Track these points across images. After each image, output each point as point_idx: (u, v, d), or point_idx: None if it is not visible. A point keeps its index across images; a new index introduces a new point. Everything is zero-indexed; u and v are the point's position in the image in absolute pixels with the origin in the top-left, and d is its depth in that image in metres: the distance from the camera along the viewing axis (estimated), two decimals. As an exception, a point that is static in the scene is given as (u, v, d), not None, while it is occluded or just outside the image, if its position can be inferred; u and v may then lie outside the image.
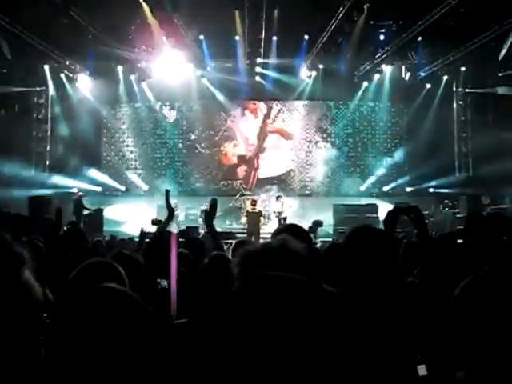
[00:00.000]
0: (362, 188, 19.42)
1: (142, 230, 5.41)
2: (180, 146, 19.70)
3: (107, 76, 17.78)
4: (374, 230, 2.21)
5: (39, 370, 1.42)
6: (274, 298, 1.13)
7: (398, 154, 19.53)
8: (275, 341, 1.04)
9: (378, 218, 16.18)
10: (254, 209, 15.11)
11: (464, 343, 1.39)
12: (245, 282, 1.20)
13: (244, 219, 15.94)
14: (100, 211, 16.49)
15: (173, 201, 14.60)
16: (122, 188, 19.40)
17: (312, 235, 10.04)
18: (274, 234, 3.06)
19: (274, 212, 16.13)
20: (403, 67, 17.76)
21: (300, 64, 17.88)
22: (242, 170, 19.64)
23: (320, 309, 1.39)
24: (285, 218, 15.37)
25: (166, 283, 3.47)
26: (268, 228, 15.42)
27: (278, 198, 16.21)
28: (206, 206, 16.29)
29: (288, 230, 3.11)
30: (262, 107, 19.74)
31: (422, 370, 1.83)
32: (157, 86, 18.43)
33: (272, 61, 17.39)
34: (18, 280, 1.35)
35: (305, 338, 1.19)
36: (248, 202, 16.24)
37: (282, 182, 19.44)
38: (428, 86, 18.14)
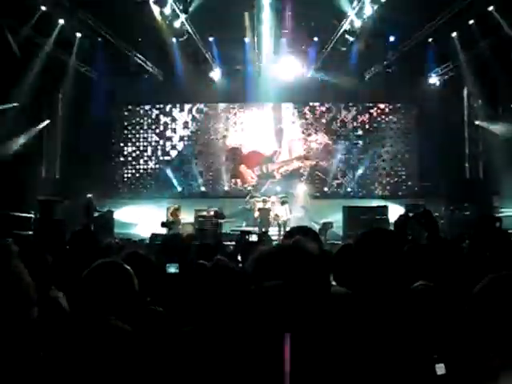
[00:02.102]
0: (372, 190, 19.40)
1: (152, 234, 5.44)
2: (190, 148, 19.76)
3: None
4: (385, 232, 2.24)
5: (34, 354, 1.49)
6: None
7: (409, 155, 19.48)
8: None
9: (387, 219, 16.17)
10: (264, 205, 16.66)
11: (484, 340, 1.41)
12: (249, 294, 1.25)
13: (257, 213, 16.88)
14: (110, 213, 16.58)
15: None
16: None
17: (322, 237, 10.04)
18: (286, 236, 3.09)
19: (277, 216, 16.16)
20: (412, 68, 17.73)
21: (310, 65, 17.89)
22: (252, 173, 19.66)
23: (324, 314, 1.43)
24: (285, 222, 15.50)
25: (173, 269, 3.55)
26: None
27: (283, 203, 16.39)
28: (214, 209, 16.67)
29: (299, 231, 3.15)
30: (272, 109, 19.76)
31: (440, 369, 1.83)
32: (166, 87, 18.50)
33: (281, 62, 17.41)
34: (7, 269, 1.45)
35: (313, 345, 1.22)
36: (258, 203, 17.23)
37: (291, 185, 19.42)
38: (437, 85, 18.06)
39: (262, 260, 1.67)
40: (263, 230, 15.36)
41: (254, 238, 9.41)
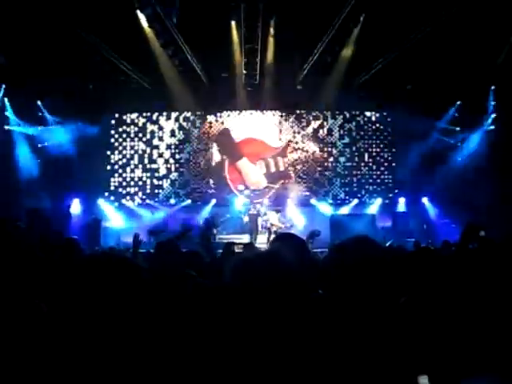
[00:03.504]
0: (360, 198, 19.50)
1: (135, 236, 5.18)
2: (177, 156, 19.72)
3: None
4: (364, 239, 2.25)
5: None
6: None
7: (396, 163, 19.61)
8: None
9: (376, 227, 16.28)
10: (253, 211, 16.59)
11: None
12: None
13: (246, 219, 16.77)
14: (97, 221, 16.51)
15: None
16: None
17: (309, 245, 10.04)
18: (272, 243, 3.09)
19: (271, 224, 16.20)
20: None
21: (296, 74, 17.97)
22: (238, 180, 19.63)
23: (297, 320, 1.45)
24: (275, 232, 15.53)
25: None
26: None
27: (278, 211, 16.50)
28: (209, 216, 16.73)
29: (283, 239, 3.15)
30: (259, 117, 19.79)
31: (423, 379, 1.84)
32: (153, 95, 18.46)
33: (268, 71, 17.47)
34: None
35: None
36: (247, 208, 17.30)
37: (279, 195, 19.44)
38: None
39: (238, 269, 1.69)
40: (253, 236, 15.51)
41: (239, 248, 9.39)
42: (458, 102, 17.93)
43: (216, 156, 19.61)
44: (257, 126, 19.66)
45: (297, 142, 19.77)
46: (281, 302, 1.58)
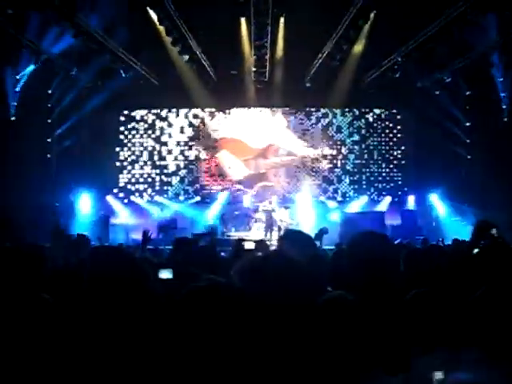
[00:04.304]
0: (369, 196, 19.43)
1: (145, 232, 5.18)
2: (186, 153, 19.74)
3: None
4: (377, 235, 2.24)
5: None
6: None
7: (405, 161, 19.52)
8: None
9: (384, 225, 16.22)
10: (268, 207, 16.80)
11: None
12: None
13: (258, 215, 16.99)
14: (106, 217, 16.58)
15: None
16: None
17: (317, 242, 10.02)
18: (279, 241, 3.07)
19: (281, 221, 16.24)
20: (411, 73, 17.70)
21: (306, 71, 17.90)
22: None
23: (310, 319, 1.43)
24: (287, 227, 15.52)
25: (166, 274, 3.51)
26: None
27: (287, 207, 16.52)
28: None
29: (291, 236, 3.13)
30: (267, 115, 19.77)
31: (438, 375, 1.82)
32: (162, 92, 18.47)
33: (278, 67, 17.42)
34: None
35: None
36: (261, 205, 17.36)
37: (287, 190, 19.45)
38: (435, 92, 18.06)
39: (245, 271, 1.68)
40: (268, 234, 15.85)
41: (250, 245, 9.36)
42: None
43: (224, 154, 19.62)
44: (264, 124, 19.67)
45: (307, 140, 19.73)
46: (290, 306, 1.56)
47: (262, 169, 19.59)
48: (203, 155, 19.69)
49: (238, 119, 19.74)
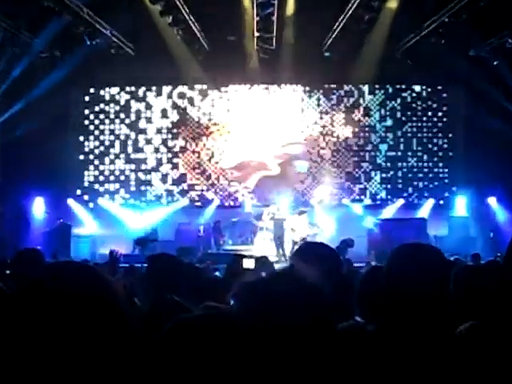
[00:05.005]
0: (406, 198, 19.40)
1: (111, 253, 5.20)
2: (170, 143, 19.75)
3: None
4: (425, 248, 2.20)
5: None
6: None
7: (453, 153, 19.48)
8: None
9: (427, 235, 16.18)
10: (278, 215, 16.67)
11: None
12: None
13: (263, 224, 17.05)
14: (66, 227, 16.58)
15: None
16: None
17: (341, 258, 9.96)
18: (293, 257, 3.03)
19: (293, 230, 16.18)
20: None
21: (324, 37, 17.87)
22: (246, 173, 19.63)
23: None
24: (304, 239, 15.43)
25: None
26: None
27: (301, 213, 16.38)
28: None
29: (308, 251, 3.08)
30: (273, 93, 19.76)
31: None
32: (138, 65, 18.43)
33: (288, 33, 17.37)
34: None
35: None
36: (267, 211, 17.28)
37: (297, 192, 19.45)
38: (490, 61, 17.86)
39: (246, 296, 1.65)
40: (280, 249, 15.87)
41: (249, 263, 9.33)
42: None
43: (220, 143, 19.61)
44: (273, 104, 19.65)
45: (324, 125, 19.70)
46: (305, 345, 1.54)
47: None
48: (192, 146, 19.68)
49: (237, 99, 19.73)
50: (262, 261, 8.06)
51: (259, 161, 19.57)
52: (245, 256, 9.55)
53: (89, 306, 1.86)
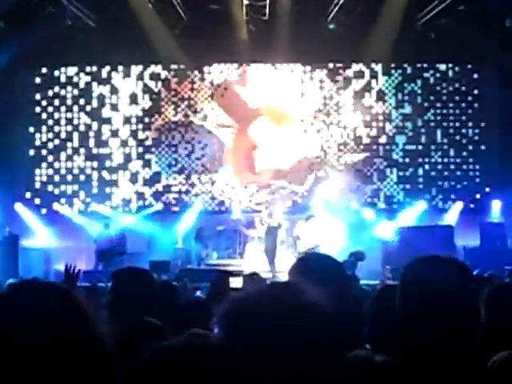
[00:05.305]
0: (427, 199, 19.44)
1: (67, 268, 5.20)
2: (141, 135, 19.72)
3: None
4: (447, 262, 2.19)
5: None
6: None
7: (485, 146, 19.52)
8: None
9: (454, 245, 16.21)
10: (273, 222, 16.82)
11: None
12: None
13: (254, 233, 17.40)
14: (13, 238, 16.52)
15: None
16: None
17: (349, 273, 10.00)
18: (292, 271, 3.04)
19: (298, 238, 16.24)
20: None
21: (328, 6, 17.88)
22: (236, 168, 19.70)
23: None
24: (312, 249, 15.46)
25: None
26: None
27: (307, 218, 16.53)
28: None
29: (310, 264, 3.08)
30: (267, 73, 19.78)
31: None
32: (101, 39, 18.34)
33: (283, 3, 17.38)
34: None
35: None
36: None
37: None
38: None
39: (232, 318, 1.62)
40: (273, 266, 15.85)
41: (237, 281, 9.36)
42: None
43: (204, 135, 19.62)
44: (266, 88, 19.68)
45: (328, 113, 19.74)
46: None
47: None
48: (168, 138, 19.65)
49: (222, 81, 19.74)
50: (251, 279, 8.08)
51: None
52: (231, 273, 9.56)
53: (61, 337, 1.86)
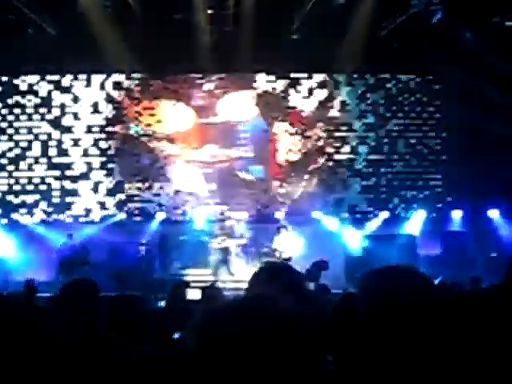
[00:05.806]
0: (391, 211, 19.56)
1: (28, 283, 5.23)
2: (103, 144, 19.62)
3: None
4: (407, 271, 2.18)
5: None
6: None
7: (447, 156, 19.70)
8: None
9: (416, 255, 16.33)
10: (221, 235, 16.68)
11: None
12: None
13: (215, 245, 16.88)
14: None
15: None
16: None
17: (311, 284, 10.08)
18: (250, 284, 3.01)
19: (274, 250, 16.21)
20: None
21: (292, 15, 17.94)
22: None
23: None
24: (289, 260, 15.48)
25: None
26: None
27: (279, 228, 16.54)
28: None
29: (269, 275, 3.05)
30: (229, 83, 19.81)
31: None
32: (62, 47, 18.20)
33: (248, 8, 17.37)
34: None
35: None
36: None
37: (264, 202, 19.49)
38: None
39: (202, 331, 1.60)
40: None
41: (195, 293, 9.38)
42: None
43: (167, 145, 19.56)
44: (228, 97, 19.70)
45: (291, 123, 19.77)
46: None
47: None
48: (131, 148, 19.55)
49: (186, 91, 19.70)
50: (209, 291, 8.05)
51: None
52: (188, 284, 9.52)
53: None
